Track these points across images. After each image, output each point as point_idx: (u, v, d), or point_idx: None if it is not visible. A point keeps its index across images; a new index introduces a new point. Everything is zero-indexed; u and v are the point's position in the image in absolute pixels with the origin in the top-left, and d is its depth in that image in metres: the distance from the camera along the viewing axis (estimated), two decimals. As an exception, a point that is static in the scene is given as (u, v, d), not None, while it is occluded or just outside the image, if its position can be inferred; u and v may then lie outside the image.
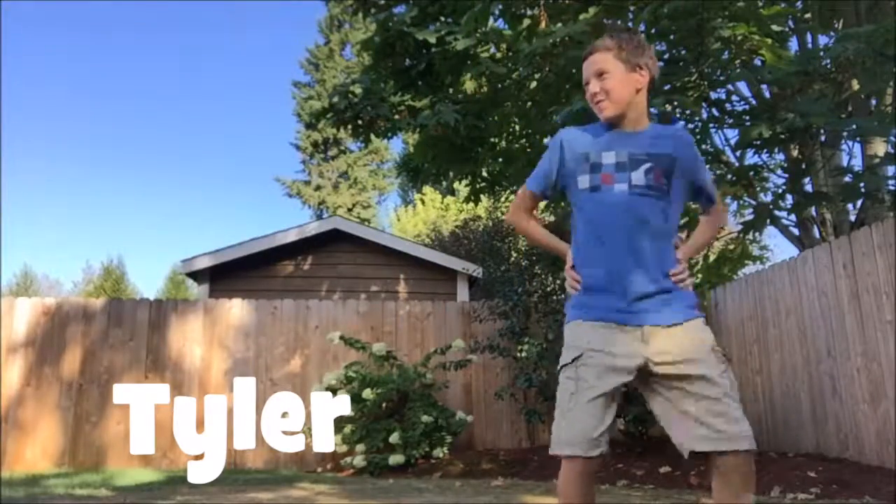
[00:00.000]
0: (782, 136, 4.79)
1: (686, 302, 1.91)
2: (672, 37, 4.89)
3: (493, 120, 6.63)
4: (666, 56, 5.23)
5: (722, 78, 5.21)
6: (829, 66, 4.61)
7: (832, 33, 6.22)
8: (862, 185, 5.25)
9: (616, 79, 1.90)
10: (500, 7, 6.02)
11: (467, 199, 7.43)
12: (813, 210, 6.21)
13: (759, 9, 4.59)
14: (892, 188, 5.33)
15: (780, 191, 5.87)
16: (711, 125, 5.50)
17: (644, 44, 1.98)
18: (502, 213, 9.68)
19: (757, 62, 5.20)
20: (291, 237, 9.59)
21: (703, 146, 5.62)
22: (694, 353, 1.83)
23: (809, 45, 6.29)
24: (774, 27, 4.52)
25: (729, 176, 5.81)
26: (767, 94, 6.11)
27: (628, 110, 1.92)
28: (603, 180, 1.89)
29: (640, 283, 1.86)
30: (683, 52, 5.08)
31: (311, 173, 23.67)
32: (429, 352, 7.02)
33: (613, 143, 1.92)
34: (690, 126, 5.71)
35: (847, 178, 5.71)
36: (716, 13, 4.51)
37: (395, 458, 6.11)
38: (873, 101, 6.02)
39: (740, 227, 6.48)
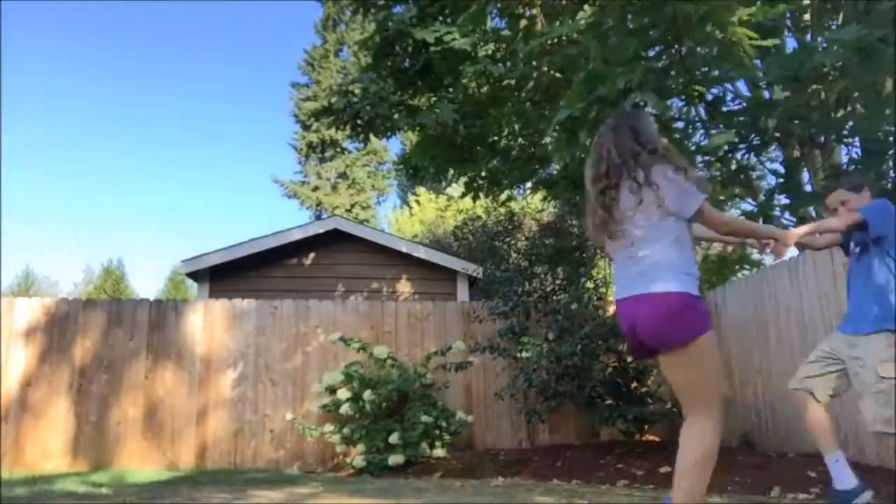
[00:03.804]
0: (756, 143, 4.81)
1: None
2: (652, 32, 4.85)
3: (493, 119, 6.62)
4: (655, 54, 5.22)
5: (715, 74, 5.19)
6: (822, 69, 4.60)
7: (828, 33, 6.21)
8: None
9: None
10: (499, 6, 6.01)
11: (464, 195, 7.43)
12: (812, 210, 6.20)
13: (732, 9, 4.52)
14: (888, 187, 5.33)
15: (773, 191, 5.88)
16: (698, 124, 5.50)
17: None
18: (502, 213, 9.67)
19: (757, 63, 5.19)
20: (292, 237, 9.59)
21: (687, 143, 5.63)
22: None
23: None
24: (749, 15, 4.44)
25: (722, 176, 5.82)
26: (767, 94, 6.11)
27: None
28: None
29: None
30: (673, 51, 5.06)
31: (308, 174, 23.65)
32: (429, 352, 7.02)
33: None
34: (680, 125, 5.71)
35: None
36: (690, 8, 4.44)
37: (395, 458, 6.10)
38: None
39: None
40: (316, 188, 23.26)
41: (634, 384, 6.46)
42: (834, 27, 6.22)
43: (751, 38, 4.27)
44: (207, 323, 7.43)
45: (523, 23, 5.99)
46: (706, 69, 5.07)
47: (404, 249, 9.84)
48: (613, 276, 2.60)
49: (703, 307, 2.43)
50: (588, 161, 2.67)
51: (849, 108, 5.79)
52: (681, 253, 2.42)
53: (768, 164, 6.56)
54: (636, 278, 2.44)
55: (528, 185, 7.52)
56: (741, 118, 5.39)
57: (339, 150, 23.55)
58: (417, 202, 21.30)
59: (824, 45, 5.31)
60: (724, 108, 5.71)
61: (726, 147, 5.72)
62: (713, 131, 5.68)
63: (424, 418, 6.31)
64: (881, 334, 3.06)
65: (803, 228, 2.99)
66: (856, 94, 5.46)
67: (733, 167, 6.05)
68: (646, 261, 2.42)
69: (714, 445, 2.38)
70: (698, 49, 4.83)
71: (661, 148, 2.56)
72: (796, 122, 4.85)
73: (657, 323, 2.38)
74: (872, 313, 3.09)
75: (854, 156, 5.83)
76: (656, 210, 2.41)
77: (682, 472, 2.35)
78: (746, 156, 6.04)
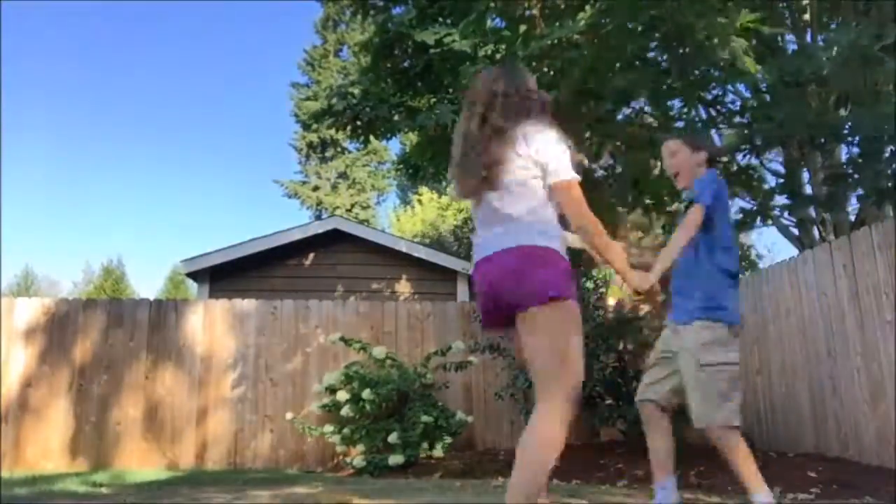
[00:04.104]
0: (758, 143, 4.82)
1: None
2: (657, 35, 4.87)
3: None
4: (653, 55, 5.24)
5: (715, 75, 5.21)
6: (821, 72, 4.62)
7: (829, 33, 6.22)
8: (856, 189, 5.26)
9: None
10: (499, 8, 6.01)
11: None
12: (812, 210, 6.21)
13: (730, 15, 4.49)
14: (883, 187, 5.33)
15: (773, 191, 5.89)
16: (699, 124, 5.51)
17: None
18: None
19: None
20: (292, 237, 9.60)
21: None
22: None
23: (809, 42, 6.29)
24: (750, 22, 4.43)
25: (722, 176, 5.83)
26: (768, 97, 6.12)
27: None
28: None
29: None
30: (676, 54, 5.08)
31: (308, 174, 23.67)
32: (429, 352, 7.02)
33: None
34: (681, 124, 5.72)
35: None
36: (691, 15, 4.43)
37: (395, 458, 6.11)
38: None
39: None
40: (316, 188, 23.27)
41: (634, 384, 6.45)
42: (834, 27, 6.24)
43: (746, 44, 4.29)
44: (207, 323, 7.43)
45: (523, 27, 6.00)
46: (705, 69, 5.09)
47: (404, 249, 9.85)
48: (476, 235, 2.35)
49: (566, 267, 2.17)
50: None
51: (849, 108, 5.80)
52: (551, 215, 2.23)
53: (768, 164, 6.57)
54: (498, 237, 2.21)
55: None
56: (742, 119, 5.40)
57: (339, 150, 23.58)
58: (419, 201, 21.32)
59: (823, 42, 5.33)
60: (725, 110, 5.72)
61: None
62: (714, 132, 5.69)
63: (424, 418, 6.31)
64: (701, 322, 2.91)
65: (657, 270, 2.72)
66: (856, 94, 5.47)
67: (734, 168, 6.06)
68: (511, 219, 2.20)
69: (551, 435, 2.02)
70: (699, 50, 4.85)
71: (545, 107, 2.34)
72: (796, 123, 4.84)
73: (512, 273, 2.13)
74: (695, 302, 2.94)
75: (854, 156, 5.84)
76: (532, 167, 2.20)
77: (516, 465, 2.03)
78: (747, 156, 6.05)
